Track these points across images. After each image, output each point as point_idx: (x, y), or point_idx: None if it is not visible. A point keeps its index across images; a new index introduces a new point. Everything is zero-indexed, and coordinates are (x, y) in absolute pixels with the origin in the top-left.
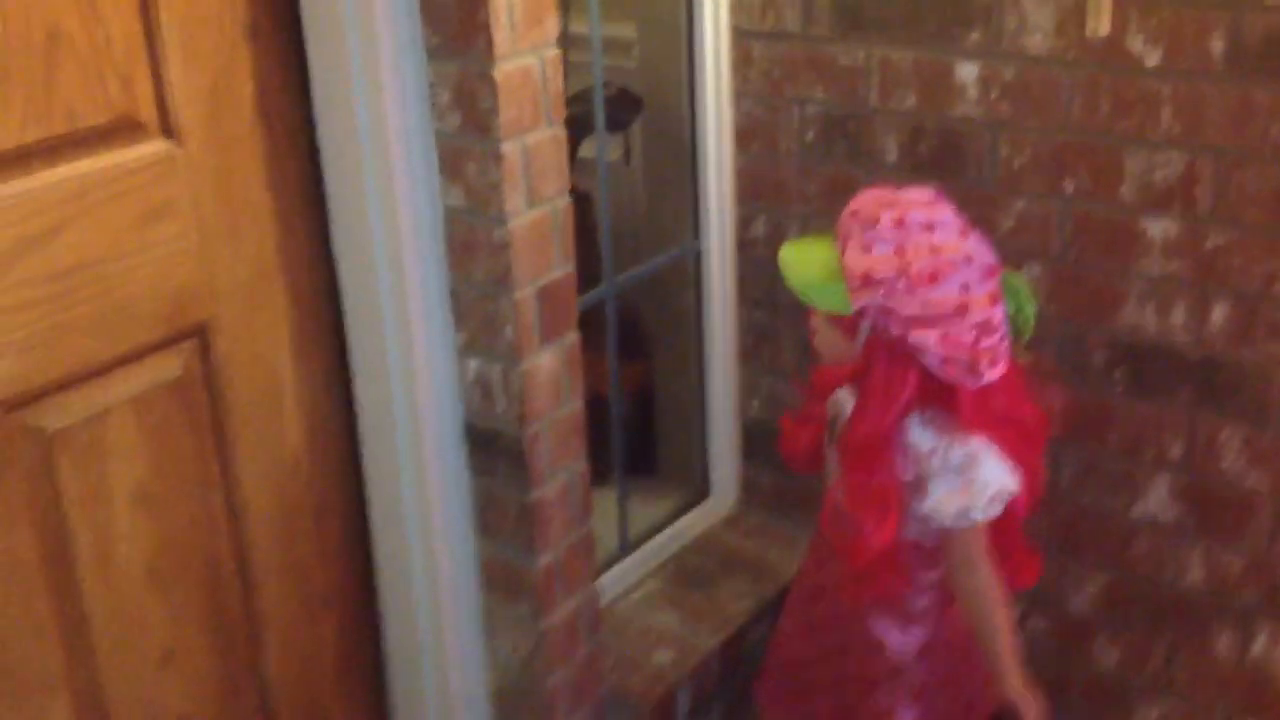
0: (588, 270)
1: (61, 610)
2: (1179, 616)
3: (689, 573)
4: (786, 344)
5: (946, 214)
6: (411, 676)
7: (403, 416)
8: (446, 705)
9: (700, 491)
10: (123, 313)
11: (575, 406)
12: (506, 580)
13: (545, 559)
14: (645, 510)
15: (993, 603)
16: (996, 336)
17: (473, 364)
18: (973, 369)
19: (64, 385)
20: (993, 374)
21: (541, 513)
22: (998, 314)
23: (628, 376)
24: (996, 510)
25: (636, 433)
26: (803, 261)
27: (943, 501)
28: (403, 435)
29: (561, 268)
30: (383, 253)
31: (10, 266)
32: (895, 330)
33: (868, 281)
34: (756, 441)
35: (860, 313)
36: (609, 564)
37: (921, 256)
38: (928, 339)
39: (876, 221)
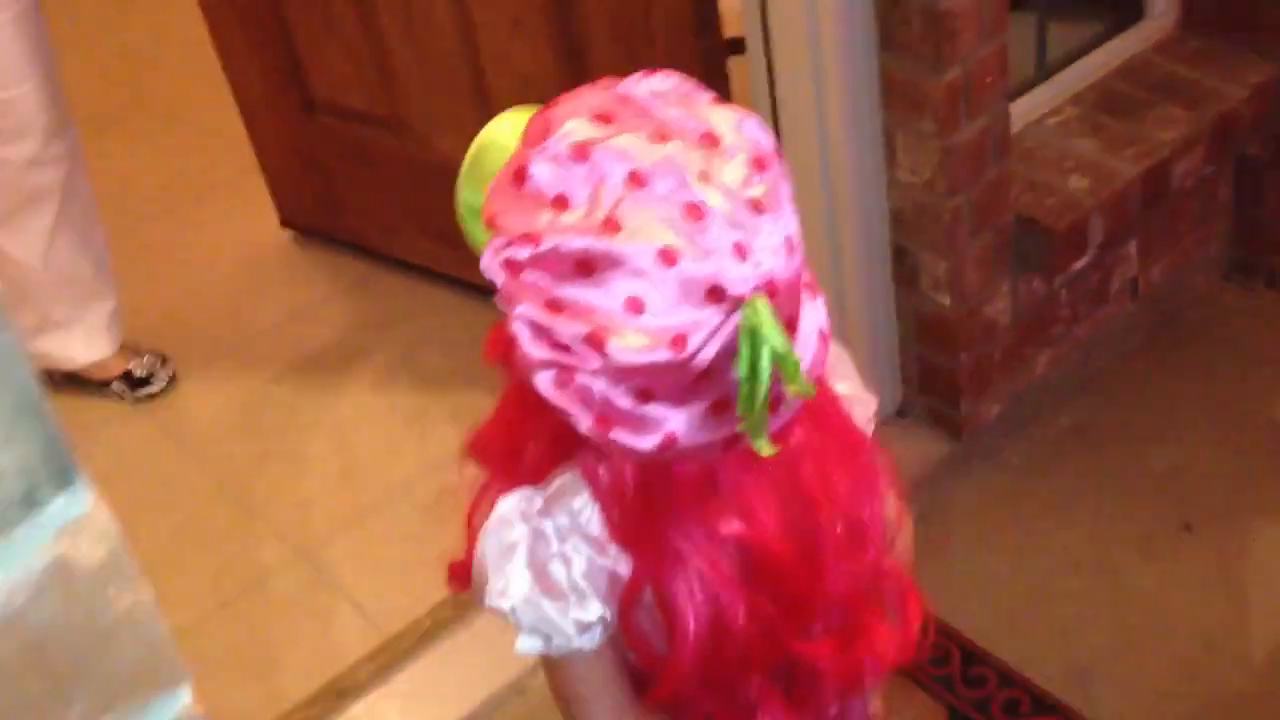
0: None
1: None
2: None
3: (1113, 99)
4: None
5: (692, 164)
6: (806, 195)
7: None
8: (842, 224)
9: (1133, 11)
10: None
11: None
12: (909, 97)
13: (952, 73)
14: (1069, 33)
15: None
16: (677, 409)
17: None
18: (596, 427)
19: None
20: (646, 446)
21: (950, 22)
22: (688, 366)
23: None
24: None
25: None
26: (493, 151)
27: None
28: None
29: None
30: None
31: None
32: (516, 333)
33: (491, 227)
34: None
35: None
36: (1024, 89)
37: (579, 228)
38: (537, 368)
39: (547, 138)
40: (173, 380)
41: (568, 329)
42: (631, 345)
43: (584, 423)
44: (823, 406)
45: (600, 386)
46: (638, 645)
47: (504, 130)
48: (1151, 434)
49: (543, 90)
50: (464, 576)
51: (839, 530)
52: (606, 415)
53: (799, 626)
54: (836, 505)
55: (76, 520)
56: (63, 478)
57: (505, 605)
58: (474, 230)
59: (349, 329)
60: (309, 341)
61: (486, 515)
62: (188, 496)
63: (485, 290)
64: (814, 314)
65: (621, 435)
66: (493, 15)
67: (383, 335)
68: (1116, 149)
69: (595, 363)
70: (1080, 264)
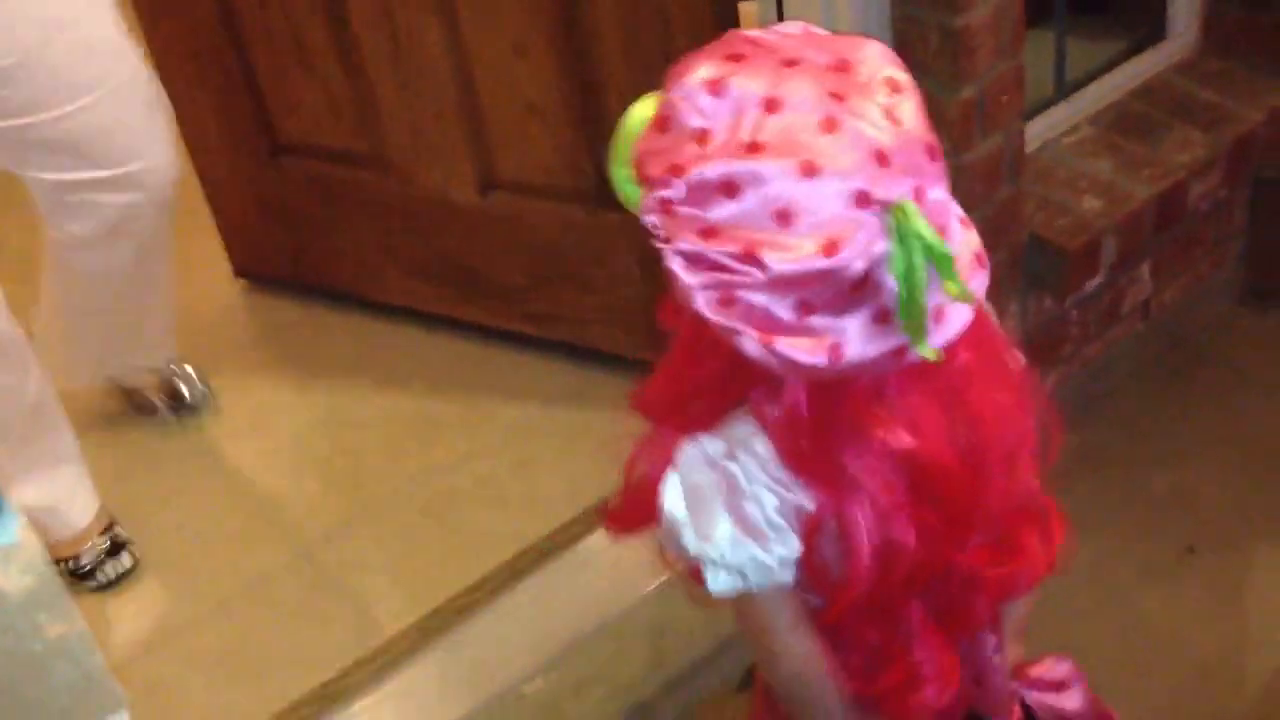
0: None
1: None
2: None
3: (1131, 120)
4: None
5: (825, 85)
6: None
7: None
8: None
9: (1153, 31)
10: None
11: None
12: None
13: (968, 91)
14: (1088, 51)
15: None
16: (840, 319)
17: None
18: (759, 341)
19: None
20: (815, 359)
21: (968, 39)
22: (843, 273)
23: None
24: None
25: None
26: (639, 123)
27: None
28: None
29: None
30: None
31: None
32: (674, 269)
33: (642, 176)
34: None
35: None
36: (1043, 107)
37: (724, 153)
38: (698, 292)
39: (683, 79)
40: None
41: (723, 249)
42: (786, 255)
43: (749, 340)
44: (985, 334)
45: (761, 300)
46: (815, 574)
47: (640, 109)
48: (1158, 456)
49: (549, 117)
50: (625, 522)
51: (1001, 448)
52: (771, 328)
53: (959, 540)
54: (1000, 424)
55: (3, 549)
56: None
57: (710, 550)
58: (633, 196)
59: (338, 351)
60: (306, 354)
61: (648, 466)
62: (191, 495)
63: (471, 326)
64: (969, 238)
65: (787, 348)
66: (492, 40)
67: (375, 360)
68: (1132, 170)
69: (754, 276)
70: (1092, 284)
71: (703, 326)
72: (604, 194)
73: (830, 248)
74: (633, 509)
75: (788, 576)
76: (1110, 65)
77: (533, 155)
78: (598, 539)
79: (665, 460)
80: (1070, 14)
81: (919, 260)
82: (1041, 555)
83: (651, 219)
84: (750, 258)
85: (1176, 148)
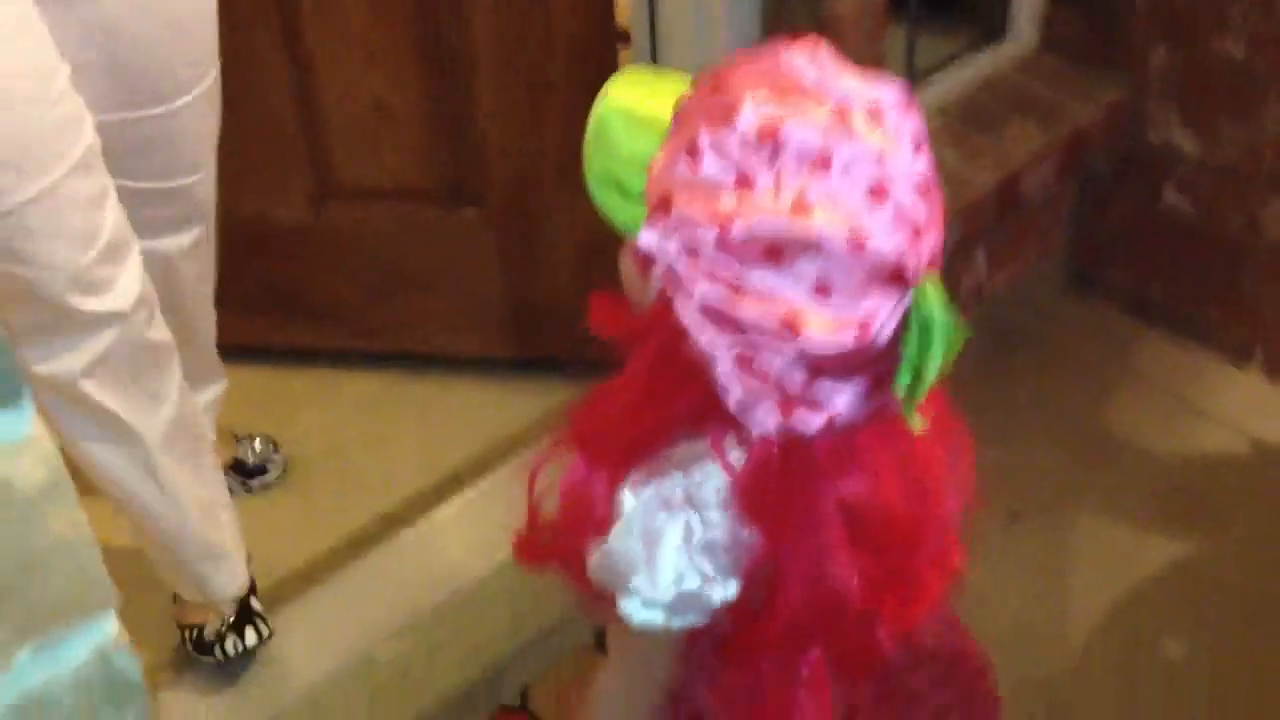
0: None
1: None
2: None
3: (975, 112)
4: None
5: (872, 146)
6: None
7: None
8: None
9: (997, 30)
10: None
11: None
12: None
13: None
14: (936, 45)
15: None
16: (843, 386)
17: None
18: (778, 412)
19: None
20: (812, 423)
21: (836, 26)
22: (868, 345)
23: None
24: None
25: None
26: (628, 120)
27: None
28: None
29: None
30: None
31: None
32: (680, 313)
33: (664, 208)
34: None
35: (648, 255)
36: None
37: (770, 211)
38: (718, 351)
39: (730, 117)
40: None
41: (755, 313)
42: (823, 331)
43: (765, 410)
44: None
45: (779, 366)
46: (735, 607)
47: (624, 95)
48: (985, 434)
49: (399, 115)
50: (542, 556)
51: (940, 503)
52: (785, 396)
53: (891, 587)
54: (940, 479)
55: (18, 442)
56: (8, 397)
57: (660, 593)
58: (611, 201)
59: None
60: None
61: (580, 501)
62: None
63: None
64: None
65: (800, 417)
66: (338, 40)
67: None
68: (974, 159)
69: (787, 347)
70: None
71: (673, 359)
72: (460, 191)
73: (865, 328)
74: (555, 543)
75: (707, 618)
76: (955, 60)
77: (377, 158)
78: (450, 509)
79: (601, 497)
80: (920, 10)
81: (939, 343)
82: (939, 590)
83: (658, 248)
84: (789, 328)
85: (1015, 140)
